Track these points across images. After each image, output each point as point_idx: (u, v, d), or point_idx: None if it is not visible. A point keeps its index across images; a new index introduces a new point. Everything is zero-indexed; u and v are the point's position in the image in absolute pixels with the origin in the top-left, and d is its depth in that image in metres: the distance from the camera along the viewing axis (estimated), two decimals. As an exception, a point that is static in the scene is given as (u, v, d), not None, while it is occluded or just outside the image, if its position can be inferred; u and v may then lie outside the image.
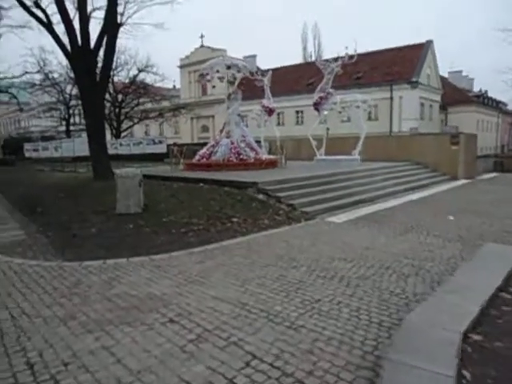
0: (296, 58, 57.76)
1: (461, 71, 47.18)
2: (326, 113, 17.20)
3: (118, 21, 11.87)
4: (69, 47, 11.58)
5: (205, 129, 45.58)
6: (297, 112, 37.11)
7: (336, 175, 11.13)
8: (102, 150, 12.32)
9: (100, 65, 12.68)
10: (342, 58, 15.87)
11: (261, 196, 8.92)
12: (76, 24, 11.76)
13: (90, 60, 11.64)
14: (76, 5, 11.98)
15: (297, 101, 35.51)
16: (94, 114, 11.87)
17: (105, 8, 11.80)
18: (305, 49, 52.45)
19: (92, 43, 11.90)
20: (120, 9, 12.48)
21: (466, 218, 7.85)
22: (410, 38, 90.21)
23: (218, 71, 14.30)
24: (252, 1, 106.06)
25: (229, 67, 13.89)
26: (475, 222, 7.43)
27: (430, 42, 32.91)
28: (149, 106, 38.38)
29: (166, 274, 4.63)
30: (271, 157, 14.52)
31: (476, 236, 6.35)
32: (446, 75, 42.67)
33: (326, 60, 16.87)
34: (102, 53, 12.13)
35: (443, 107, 37.42)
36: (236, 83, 14.46)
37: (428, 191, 12.13)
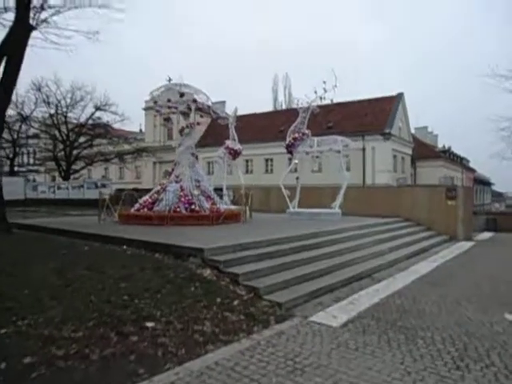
0: (266, 107, 56.92)
1: (426, 127, 48.09)
2: (296, 161, 14.63)
3: (32, 23, 8.96)
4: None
5: (168, 174, 42.41)
6: (266, 160, 34.98)
7: (318, 236, 8.12)
8: (-6, 192, 8.80)
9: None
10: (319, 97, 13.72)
11: (207, 272, 5.66)
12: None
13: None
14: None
15: (266, 148, 33.51)
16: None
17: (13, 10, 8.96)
18: (275, 99, 52.00)
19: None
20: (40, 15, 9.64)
21: (531, 317, 4.93)
22: (377, 90, 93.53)
23: (169, 100, 11.52)
24: (223, 49, 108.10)
25: (182, 95, 11.13)
26: (555, 328, 4.51)
27: (401, 95, 32.50)
28: (110, 148, 35.27)
29: None
30: (232, 208, 11.44)
31: None
32: (412, 130, 42.81)
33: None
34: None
35: (412, 161, 36.63)
36: (191, 115, 11.64)
37: (435, 258, 9.28)
